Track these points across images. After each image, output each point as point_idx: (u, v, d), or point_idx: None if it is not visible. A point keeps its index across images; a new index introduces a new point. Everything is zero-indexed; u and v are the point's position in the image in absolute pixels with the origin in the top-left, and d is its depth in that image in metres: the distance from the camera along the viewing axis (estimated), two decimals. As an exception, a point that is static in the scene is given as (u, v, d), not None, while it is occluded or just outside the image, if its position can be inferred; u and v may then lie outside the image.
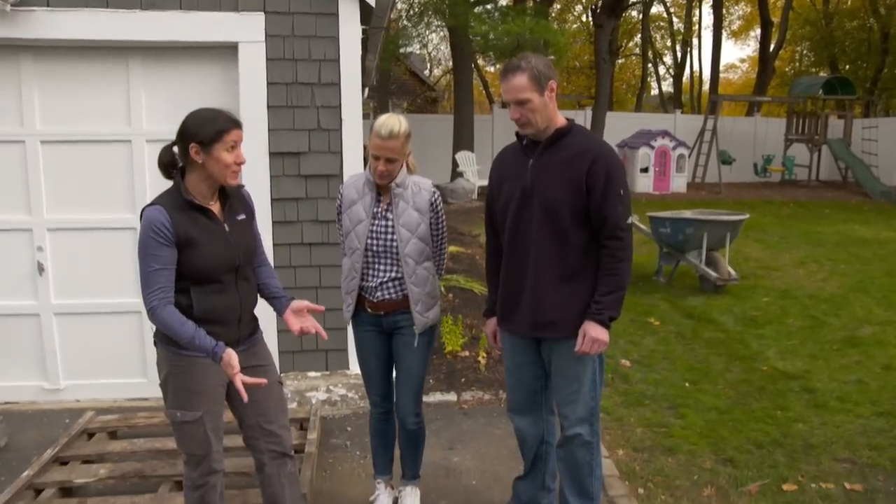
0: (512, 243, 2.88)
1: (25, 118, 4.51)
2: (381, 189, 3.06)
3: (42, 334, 4.79)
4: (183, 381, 2.58)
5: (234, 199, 2.67)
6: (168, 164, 2.52)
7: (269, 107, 4.50)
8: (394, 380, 3.34)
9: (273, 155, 4.58)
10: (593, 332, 2.70)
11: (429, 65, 36.02)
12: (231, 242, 2.58)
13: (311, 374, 4.79)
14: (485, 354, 5.28)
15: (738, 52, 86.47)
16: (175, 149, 2.52)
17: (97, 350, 4.77)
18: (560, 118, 2.79)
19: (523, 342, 2.95)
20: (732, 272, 7.36)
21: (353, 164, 4.67)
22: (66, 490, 3.45)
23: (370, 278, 3.10)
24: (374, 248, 3.06)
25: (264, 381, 2.52)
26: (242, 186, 2.75)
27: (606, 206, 2.69)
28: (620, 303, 2.75)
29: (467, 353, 5.33)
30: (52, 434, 4.13)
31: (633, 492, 3.58)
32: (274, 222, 4.63)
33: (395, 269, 3.08)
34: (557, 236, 2.75)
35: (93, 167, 4.62)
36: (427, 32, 19.74)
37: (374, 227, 3.06)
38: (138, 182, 4.62)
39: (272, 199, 4.62)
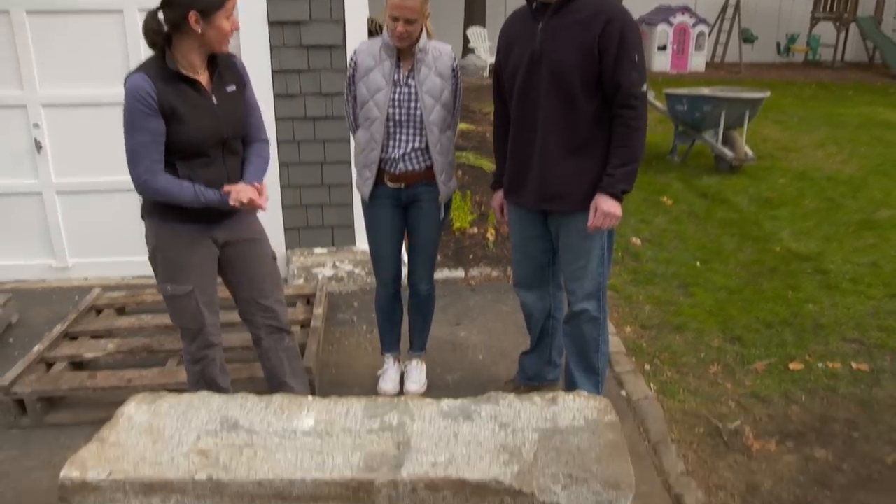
0: (520, 112, 2.73)
1: (8, -15, 4.25)
2: (401, 54, 2.89)
3: (46, 212, 4.76)
4: (170, 255, 2.53)
5: (224, 68, 2.50)
6: (154, 32, 2.34)
7: (265, -30, 4.21)
8: (403, 256, 3.29)
9: (272, 24, 4.33)
10: (605, 206, 2.61)
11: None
12: (219, 115, 2.45)
13: (318, 250, 4.75)
14: (493, 231, 5.22)
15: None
16: (160, 15, 2.33)
17: (102, 228, 4.75)
18: None
19: (530, 216, 2.86)
20: (749, 152, 7.15)
21: (356, 34, 4.42)
22: (77, 364, 3.50)
23: (392, 149, 2.96)
24: (397, 117, 2.91)
25: (265, 199, 2.47)
26: (233, 56, 2.57)
27: (619, 72, 2.52)
28: (634, 176, 2.63)
29: (475, 230, 5.27)
30: (61, 311, 4.16)
31: (640, 368, 3.60)
32: (275, 95, 4.45)
33: (418, 138, 2.95)
34: (567, 104, 2.60)
35: (84, 40, 4.40)
36: None
37: (396, 95, 2.90)
38: (133, 54, 4.40)
39: (273, 71, 4.41)
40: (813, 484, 2.71)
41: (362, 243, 4.70)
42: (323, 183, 4.66)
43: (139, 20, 4.34)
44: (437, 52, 2.91)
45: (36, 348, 3.48)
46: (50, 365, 3.45)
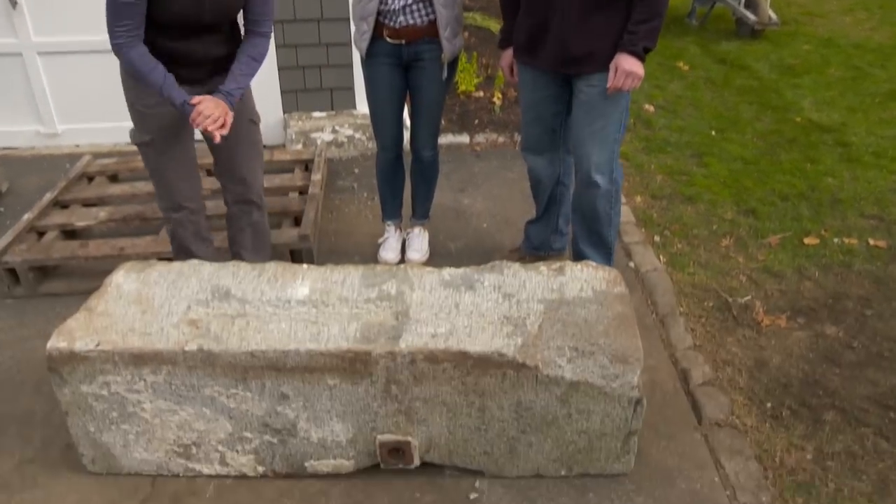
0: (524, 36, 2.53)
1: None
2: None
3: (28, 75, 4.50)
4: (137, 106, 2.40)
5: None
6: None
7: None
8: (405, 120, 3.10)
9: None
10: (627, 65, 2.41)
11: None
12: (204, 1, 2.23)
13: (316, 114, 4.54)
14: (500, 95, 4.96)
15: None
16: None
17: (91, 93, 4.50)
18: None
19: (545, 76, 2.64)
20: (773, 16, 6.69)
21: None
22: (69, 233, 3.40)
23: (391, 1, 2.70)
24: None
25: (224, 130, 2.27)
26: None
27: None
28: (657, 32, 2.43)
29: (481, 94, 5.01)
30: (53, 179, 4.01)
31: (649, 239, 3.48)
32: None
33: None
34: None
35: None
36: None
37: None
38: None
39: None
40: (822, 361, 2.65)
41: (363, 106, 4.47)
42: (320, 42, 4.37)
43: None
44: None
45: (26, 217, 3.36)
46: (41, 234, 3.35)
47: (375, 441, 2.02)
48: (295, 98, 4.54)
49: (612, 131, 2.59)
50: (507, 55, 2.81)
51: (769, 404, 2.45)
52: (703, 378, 2.50)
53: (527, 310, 2.04)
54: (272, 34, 2.51)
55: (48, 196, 3.56)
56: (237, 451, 2.07)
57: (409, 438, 2.01)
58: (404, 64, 2.85)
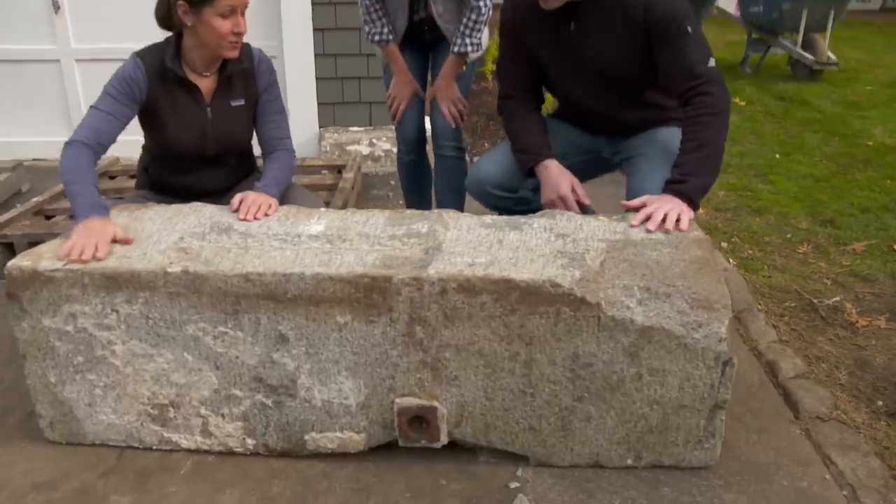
0: (568, 110, 2.25)
1: None
2: None
3: (64, 83, 4.42)
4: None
5: (237, 77, 2.05)
6: (164, 19, 1.98)
7: None
8: (426, 115, 2.77)
9: None
10: (670, 205, 1.79)
11: None
12: (207, 132, 2.04)
13: (353, 128, 4.31)
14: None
15: None
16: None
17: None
18: None
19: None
20: (832, 55, 6.40)
21: None
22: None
23: (416, 15, 2.51)
24: None
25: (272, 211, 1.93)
26: (256, 61, 2.08)
27: (674, 56, 1.90)
28: (714, 166, 1.86)
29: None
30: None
31: (716, 245, 3.08)
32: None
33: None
34: (628, 98, 2.09)
35: None
36: None
37: None
38: None
39: (308, -76, 3.93)
40: (938, 359, 2.19)
41: (403, 120, 4.25)
42: (361, 52, 4.18)
43: None
44: None
45: (35, 199, 3.14)
46: (49, 217, 3.11)
47: (393, 406, 1.63)
48: (332, 111, 4.33)
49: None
50: (554, 167, 2.10)
51: (880, 402, 1.99)
52: (795, 371, 2.06)
53: (585, 247, 1.66)
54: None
55: (62, 185, 3.34)
56: (223, 416, 1.68)
57: (436, 404, 1.61)
58: (427, 45, 2.60)
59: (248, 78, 2.07)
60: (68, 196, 1.81)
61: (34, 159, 4.47)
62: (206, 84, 2.03)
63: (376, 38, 2.55)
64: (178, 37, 1.99)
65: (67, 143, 1.88)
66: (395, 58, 2.57)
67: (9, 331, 2.35)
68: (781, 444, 1.78)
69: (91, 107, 1.95)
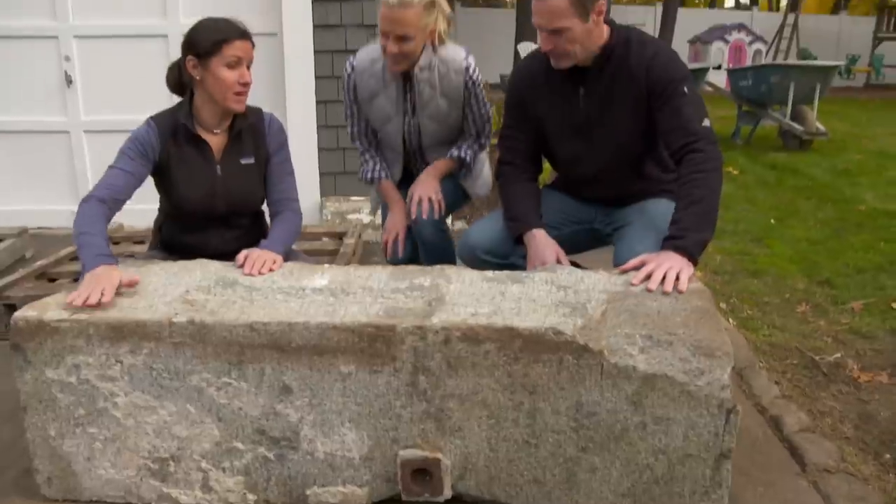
0: (566, 178, 2.34)
1: None
2: (408, 75, 2.33)
3: (73, 153, 4.53)
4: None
5: (248, 134, 2.13)
6: (176, 84, 2.09)
7: None
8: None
9: (311, -52, 4.05)
10: (669, 262, 1.79)
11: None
12: (216, 189, 2.10)
13: (354, 197, 4.38)
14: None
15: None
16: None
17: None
18: (604, 31, 2.02)
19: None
20: (821, 126, 6.59)
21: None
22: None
23: (413, 169, 2.54)
24: (412, 147, 2.48)
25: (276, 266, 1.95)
26: (264, 120, 2.17)
27: (670, 114, 1.97)
28: (710, 220, 1.90)
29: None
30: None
31: (715, 306, 3.10)
32: (315, 26, 4.15)
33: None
34: (627, 166, 2.17)
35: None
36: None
37: (408, 127, 2.43)
38: (167, -18, 4.17)
39: (313, 0, 4.11)
40: (943, 414, 2.18)
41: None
42: (360, 123, 4.30)
43: (177, -51, 4.15)
44: (445, 66, 2.30)
45: (39, 263, 3.17)
46: (53, 280, 3.13)
47: (397, 459, 1.61)
48: (333, 181, 4.42)
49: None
50: (542, 238, 2.13)
51: (888, 455, 1.97)
52: (800, 425, 2.05)
53: (586, 297, 1.68)
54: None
55: (68, 249, 3.38)
56: (224, 471, 1.67)
57: (439, 455, 1.60)
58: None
59: (257, 137, 2.14)
60: (78, 248, 1.84)
61: (39, 227, 4.52)
62: (216, 141, 2.09)
63: (368, 175, 2.51)
64: (191, 97, 2.07)
65: (84, 199, 1.94)
66: (389, 192, 2.49)
67: (7, 387, 2.35)
68: (789, 497, 1.76)
69: (109, 166, 2.02)
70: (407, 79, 2.34)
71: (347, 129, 2.57)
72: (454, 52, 2.32)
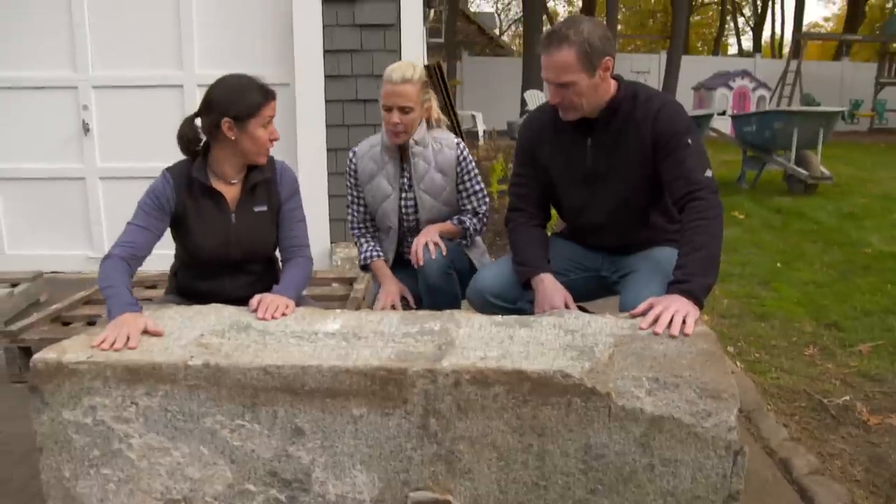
0: (573, 226, 2.41)
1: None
2: (404, 153, 2.53)
3: (88, 199, 4.63)
4: None
5: (261, 185, 2.19)
6: (188, 140, 2.14)
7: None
8: None
9: (326, 1, 4.19)
10: (676, 306, 1.82)
11: (499, 22, 35.72)
12: (230, 237, 2.16)
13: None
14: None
15: (823, 11, 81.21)
16: (198, 121, 2.13)
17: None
18: (611, 85, 2.11)
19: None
20: (825, 170, 6.65)
21: (411, 13, 4.25)
22: (94, 324, 3.21)
23: (406, 248, 2.61)
24: (408, 224, 2.59)
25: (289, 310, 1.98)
26: (278, 170, 2.23)
27: (674, 165, 2.04)
28: (714, 265, 1.94)
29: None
30: (94, 296, 3.91)
31: (722, 348, 3.11)
32: (326, 76, 4.27)
33: None
34: (632, 216, 2.23)
35: (138, 19, 4.37)
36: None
37: (405, 203, 2.56)
38: (185, 35, 4.31)
39: (325, 51, 4.25)
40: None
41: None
42: (370, 170, 4.39)
43: (194, 1, 4.30)
44: (439, 144, 2.51)
45: (54, 307, 3.22)
46: (67, 324, 3.18)
47: (407, 501, 1.62)
48: (343, 227, 4.48)
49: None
50: (549, 282, 2.18)
51: (899, 500, 1.96)
52: (809, 467, 2.05)
53: (594, 341, 1.71)
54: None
55: (81, 294, 3.45)
56: (237, 513, 1.68)
57: (450, 497, 1.61)
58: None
59: (270, 185, 2.20)
60: (105, 299, 1.87)
61: (53, 271, 4.58)
62: (230, 192, 2.15)
63: (363, 256, 2.62)
64: (206, 149, 2.14)
65: (104, 258, 1.99)
66: (381, 269, 2.58)
67: (22, 430, 2.38)
68: (800, 542, 1.76)
69: (127, 223, 2.07)
70: (404, 157, 2.53)
71: (348, 218, 2.71)
72: (446, 134, 2.56)
